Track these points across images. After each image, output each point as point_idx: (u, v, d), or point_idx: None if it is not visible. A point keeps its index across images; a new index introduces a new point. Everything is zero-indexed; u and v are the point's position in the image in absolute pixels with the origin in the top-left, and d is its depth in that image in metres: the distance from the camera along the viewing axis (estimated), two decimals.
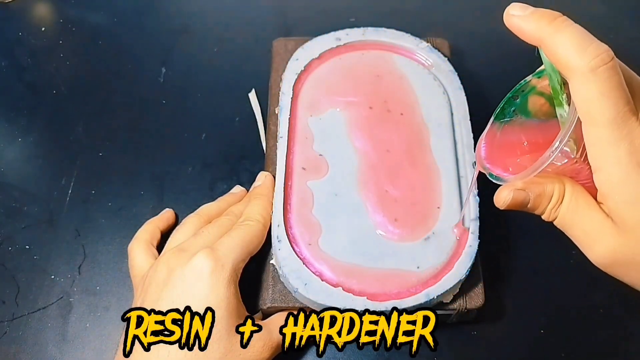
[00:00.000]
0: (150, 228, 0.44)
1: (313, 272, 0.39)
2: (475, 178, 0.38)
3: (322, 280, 0.38)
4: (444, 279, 0.38)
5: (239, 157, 0.51)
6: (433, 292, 0.38)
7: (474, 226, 0.40)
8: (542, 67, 0.31)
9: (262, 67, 0.52)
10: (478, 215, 0.41)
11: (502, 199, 0.31)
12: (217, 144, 0.52)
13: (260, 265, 0.41)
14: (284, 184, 0.42)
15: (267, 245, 0.41)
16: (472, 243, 0.40)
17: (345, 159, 0.43)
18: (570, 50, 0.27)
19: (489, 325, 0.43)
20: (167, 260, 0.38)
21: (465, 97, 0.46)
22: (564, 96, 0.29)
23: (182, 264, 0.37)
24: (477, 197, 0.42)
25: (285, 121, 0.45)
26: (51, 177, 0.50)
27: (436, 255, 0.40)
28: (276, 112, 0.47)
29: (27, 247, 0.46)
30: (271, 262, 0.41)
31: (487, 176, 0.33)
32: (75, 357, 0.42)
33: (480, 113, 0.47)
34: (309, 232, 0.40)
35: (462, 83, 0.47)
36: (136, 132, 0.52)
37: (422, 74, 0.48)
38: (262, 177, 0.44)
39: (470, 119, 0.45)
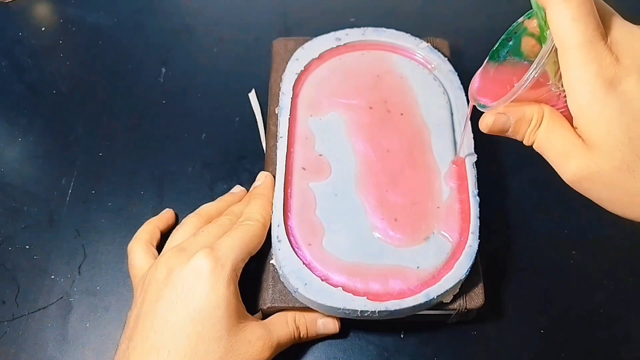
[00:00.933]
0: (150, 228, 0.44)
1: (313, 272, 0.39)
2: (469, 113, 0.40)
3: (322, 280, 0.38)
4: (444, 279, 0.38)
5: (239, 157, 0.51)
6: (433, 292, 0.38)
7: (474, 226, 0.40)
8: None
9: (262, 67, 0.52)
10: (478, 215, 0.41)
11: (485, 122, 0.34)
12: (217, 144, 0.52)
13: (260, 265, 0.41)
14: (284, 184, 0.42)
15: (267, 245, 0.41)
16: (472, 243, 0.40)
17: (345, 159, 0.43)
18: None
19: (489, 325, 0.43)
20: (167, 260, 0.38)
21: (465, 97, 0.46)
22: (548, 32, 0.31)
23: (182, 264, 0.37)
24: (477, 197, 0.42)
25: (285, 121, 0.45)
26: (51, 177, 0.50)
27: (436, 255, 0.40)
28: (276, 112, 0.47)
29: (27, 247, 0.46)
30: (271, 262, 0.41)
31: (477, 107, 0.35)
32: (75, 357, 0.42)
33: (480, 113, 0.47)
34: (309, 233, 0.40)
35: (462, 83, 0.47)
36: (136, 132, 0.52)
37: (422, 74, 0.48)
38: (262, 177, 0.44)
39: (471, 119, 0.45)
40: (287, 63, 0.48)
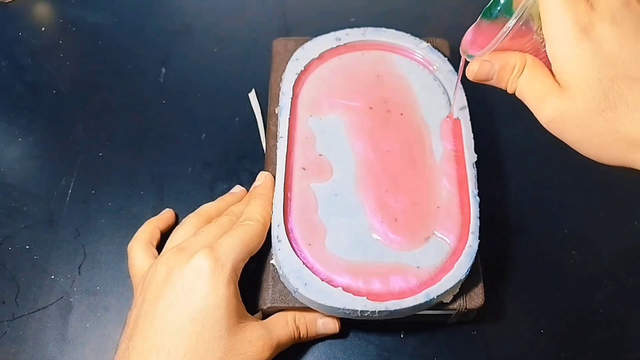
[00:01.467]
0: (150, 228, 0.44)
1: (313, 272, 0.39)
2: (461, 68, 0.40)
3: (322, 280, 0.38)
4: (444, 279, 0.38)
5: (239, 157, 0.51)
6: (433, 292, 0.38)
7: (474, 226, 0.40)
8: None
9: (262, 67, 0.52)
10: (478, 215, 0.41)
11: (472, 69, 0.36)
12: (217, 144, 0.52)
13: (260, 265, 0.41)
14: (284, 184, 0.42)
15: (267, 245, 0.41)
16: (472, 243, 0.40)
17: (345, 159, 0.43)
18: None
19: (489, 325, 0.43)
20: (167, 259, 0.38)
21: (465, 97, 0.46)
22: None
23: (182, 264, 0.37)
24: (477, 197, 0.42)
25: (285, 121, 0.45)
26: (51, 177, 0.50)
27: (436, 255, 0.40)
28: (276, 112, 0.47)
29: (27, 247, 0.46)
30: (271, 262, 0.41)
31: (467, 59, 0.37)
32: (75, 357, 0.42)
33: (481, 113, 0.47)
34: (309, 233, 0.40)
35: (462, 83, 0.47)
36: (136, 132, 0.52)
37: (422, 74, 0.48)
38: (262, 177, 0.44)
39: (470, 119, 0.45)
40: (287, 63, 0.48)
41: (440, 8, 0.62)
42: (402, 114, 0.46)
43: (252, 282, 0.41)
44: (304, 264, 0.39)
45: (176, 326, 0.35)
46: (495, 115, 0.53)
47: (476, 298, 0.40)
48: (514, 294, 0.45)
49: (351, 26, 0.50)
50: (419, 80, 0.47)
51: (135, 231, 0.44)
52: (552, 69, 0.33)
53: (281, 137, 0.44)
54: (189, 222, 0.43)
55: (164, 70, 0.56)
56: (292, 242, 0.40)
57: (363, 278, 0.39)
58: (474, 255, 0.39)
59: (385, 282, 0.39)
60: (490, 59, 0.36)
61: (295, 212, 0.41)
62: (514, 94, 0.35)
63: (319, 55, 0.48)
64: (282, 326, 0.39)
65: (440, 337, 0.43)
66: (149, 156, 0.51)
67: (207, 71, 0.56)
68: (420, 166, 0.43)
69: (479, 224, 0.41)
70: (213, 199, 0.46)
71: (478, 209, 0.41)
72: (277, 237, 0.40)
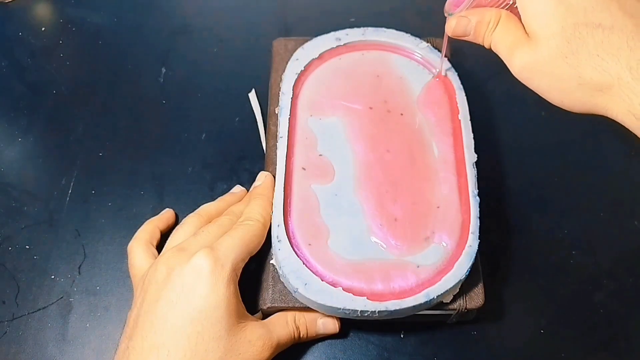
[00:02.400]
0: (150, 228, 0.44)
1: (313, 272, 0.39)
2: (446, 38, 0.43)
3: (322, 280, 0.38)
4: (444, 279, 0.38)
5: (239, 157, 0.51)
6: (433, 292, 0.38)
7: (474, 226, 0.40)
8: None
9: (262, 67, 0.52)
10: (478, 215, 0.41)
11: (449, 25, 0.39)
12: (217, 144, 0.52)
13: (260, 265, 0.41)
14: (284, 184, 0.42)
15: (267, 245, 0.41)
16: (472, 243, 0.40)
17: (344, 159, 0.43)
18: None
19: (489, 325, 0.43)
20: (167, 259, 0.38)
21: (465, 97, 0.46)
22: None
23: (182, 264, 0.37)
24: (477, 198, 0.42)
25: (285, 121, 0.45)
26: (51, 177, 0.50)
27: (436, 255, 0.40)
28: (276, 112, 0.47)
29: (27, 247, 0.46)
30: (271, 262, 0.41)
31: (447, 17, 0.39)
32: (75, 357, 0.42)
33: (481, 113, 0.47)
34: (309, 233, 0.40)
35: (462, 83, 0.47)
36: (136, 132, 0.52)
37: (422, 74, 0.48)
38: (262, 177, 0.44)
39: (471, 119, 0.45)
40: (287, 63, 0.48)
41: (440, 8, 0.62)
42: (402, 114, 0.46)
43: (252, 282, 0.41)
44: (304, 264, 0.39)
45: (176, 326, 0.35)
46: (495, 115, 0.53)
47: (476, 298, 0.40)
48: (514, 294, 0.45)
49: (351, 26, 0.50)
50: (419, 80, 0.47)
51: (135, 231, 0.44)
52: (522, 20, 0.35)
53: (281, 137, 0.44)
54: (189, 222, 0.43)
55: (163, 70, 0.56)
56: (292, 242, 0.40)
57: (363, 278, 0.39)
58: (474, 255, 0.39)
59: (385, 282, 0.39)
60: (467, 14, 0.38)
61: (295, 212, 0.41)
62: (490, 48, 0.37)
63: (319, 55, 0.48)
64: (282, 326, 0.39)
65: (440, 337, 0.43)
66: (149, 156, 0.51)
67: (207, 71, 0.56)
68: (420, 166, 0.43)
69: (479, 224, 0.41)
70: (213, 199, 0.46)
71: (478, 209, 0.41)
72: (277, 237, 0.40)
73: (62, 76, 0.56)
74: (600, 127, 0.51)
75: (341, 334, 0.42)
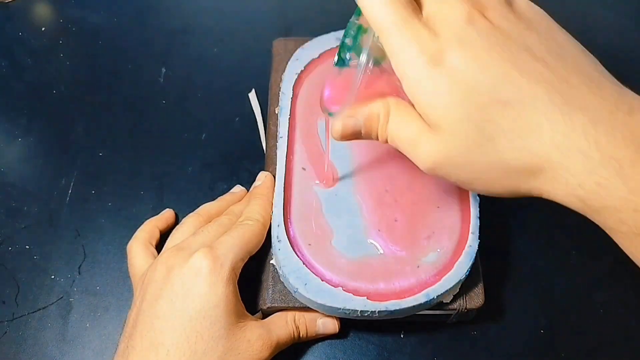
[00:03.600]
0: (149, 227, 0.44)
1: (313, 272, 0.39)
2: (327, 129, 0.38)
3: (322, 280, 0.38)
4: (444, 279, 0.38)
5: (239, 157, 0.51)
6: (433, 292, 0.38)
7: (474, 226, 0.40)
8: None
9: (262, 67, 0.52)
10: (478, 215, 0.41)
11: (335, 129, 0.33)
12: (217, 144, 0.52)
13: (260, 265, 0.41)
14: (284, 184, 0.42)
15: (267, 245, 0.41)
16: (472, 243, 0.40)
17: (344, 159, 0.43)
18: None
19: (489, 325, 0.43)
20: (166, 259, 0.38)
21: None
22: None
23: (181, 263, 0.37)
24: (478, 197, 0.42)
25: (285, 121, 0.45)
26: (51, 177, 0.50)
27: (436, 255, 0.40)
28: (276, 112, 0.47)
29: (27, 247, 0.46)
30: (271, 262, 0.41)
31: (328, 117, 0.34)
32: (75, 357, 0.42)
33: None
34: (309, 233, 0.40)
35: None
36: (136, 132, 0.52)
37: None
38: (262, 177, 0.44)
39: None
40: (287, 63, 0.48)
41: None
42: None
43: (252, 282, 0.41)
44: (303, 264, 0.39)
45: (175, 325, 0.35)
46: None
47: (476, 298, 0.40)
48: (514, 294, 0.45)
49: None
50: None
51: (135, 231, 0.44)
52: (417, 110, 0.30)
53: (281, 137, 0.44)
54: (189, 222, 0.43)
55: (164, 70, 0.56)
56: (292, 242, 0.40)
57: (363, 278, 0.39)
58: (474, 255, 0.39)
59: (385, 282, 0.39)
60: (352, 113, 0.33)
61: (295, 212, 0.41)
62: (388, 143, 0.32)
63: (319, 55, 0.48)
64: (282, 326, 0.39)
65: (440, 337, 0.43)
66: (149, 156, 0.51)
67: (207, 71, 0.56)
68: None
69: (479, 224, 0.41)
70: (213, 199, 0.46)
71: (478, 209, 0.41)
72: (277, 237, 0.40)
73: (62, 76, 0.56)
74: None
75: (341, 334, 0.42)
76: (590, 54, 0.30)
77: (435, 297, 0.38)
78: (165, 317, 0.35)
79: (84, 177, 0.50)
